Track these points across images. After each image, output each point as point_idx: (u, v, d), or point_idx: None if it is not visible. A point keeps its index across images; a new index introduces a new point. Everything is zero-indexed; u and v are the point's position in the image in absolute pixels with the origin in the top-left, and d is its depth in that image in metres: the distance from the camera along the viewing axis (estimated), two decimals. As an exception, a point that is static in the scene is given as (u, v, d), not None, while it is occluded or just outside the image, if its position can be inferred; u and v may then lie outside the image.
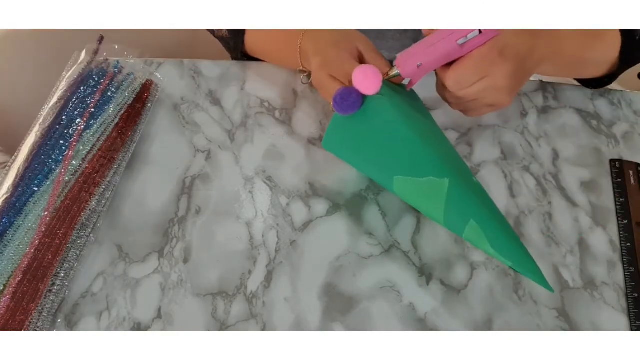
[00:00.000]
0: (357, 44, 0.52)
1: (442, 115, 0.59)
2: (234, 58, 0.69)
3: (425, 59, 0.46)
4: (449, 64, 0.46)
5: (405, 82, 0.50)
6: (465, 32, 0.44)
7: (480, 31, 0.44)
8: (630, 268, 0.49)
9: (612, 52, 0.55)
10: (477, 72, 0.46)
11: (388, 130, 0.47)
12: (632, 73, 1.31)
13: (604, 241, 0.51)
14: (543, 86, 0.64)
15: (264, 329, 0.45)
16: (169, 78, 0.64)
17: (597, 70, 0.58)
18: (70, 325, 0.46)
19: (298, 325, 0.46)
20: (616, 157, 0.57)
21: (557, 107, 0.61)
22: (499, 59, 0.45)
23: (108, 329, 0.45)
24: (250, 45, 0.64)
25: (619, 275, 0.49)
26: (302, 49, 0.56)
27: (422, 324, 0.46)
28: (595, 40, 0.53)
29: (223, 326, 0.46)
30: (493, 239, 0.43)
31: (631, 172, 0.55)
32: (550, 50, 0.49)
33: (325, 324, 0.46)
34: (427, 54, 0.46)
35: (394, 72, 0.48)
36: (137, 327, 0.45)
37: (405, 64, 0.47)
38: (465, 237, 0.44)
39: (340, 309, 0.47)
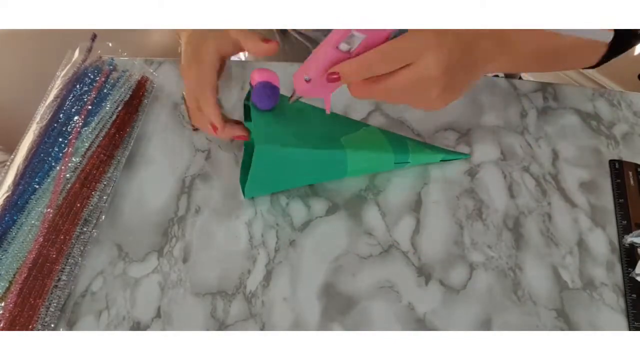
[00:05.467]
0: (230, 33, 0.48)
1: (443, 115, 0.59)
2: None
3: (311, 72, 0.41)
4: None
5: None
6: (340, 34, 0.39)
7: (365, 34, 0.39)
8: (629, 269, 0.49)
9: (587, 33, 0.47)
10: (397, 54, 0.39)
11: (306, 118, 0.50)
12: (632, 73, 1.31)
13: (603, 242, 0.51)
14: (543, 87, 0.64)
15: (263, 328, 0.46)
16: (169, 77, 0.64)
17: (583, 59, 0.53)
18: (70, 325, 0.46)
19: (297, 325, 0.46)
20: (616, 157, 0.57)
21: (556, 108, 0.61)
22: (428, 46, 0.39)
23: (107, 328, 0.45)
24: None
25: (618, 276, 0.49)
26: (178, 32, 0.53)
27: (421, 324, 0.46)
28: (552, 35, 0.46)
29: (222, 326, 0.46)
30: (429, 147, 0.55)
31: (631, 173, 0.55)
32: (493, 45, 0.44)
33: (324, 324, 0.46)
34: (311, 66, 0.41)
35: (296, 95, 0.45)
36: (137, 326, 0.46)
37: (296, 81, 0.43)
38: (411, 159, 0.53)
39: (339, 309, 0.47)
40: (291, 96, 0.45)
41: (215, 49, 0.48)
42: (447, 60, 0.39)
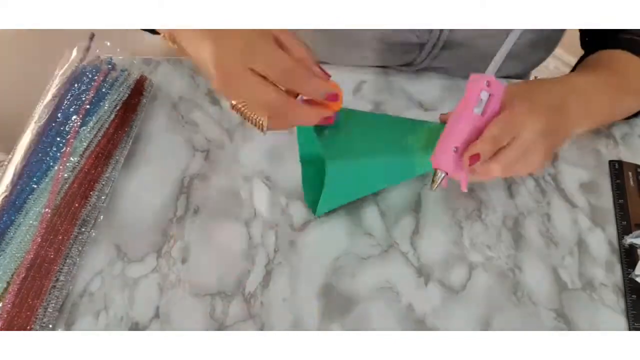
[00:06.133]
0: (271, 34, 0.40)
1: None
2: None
3: (457, 141, 0.42)
4: None
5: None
6: (474, 95, 0.41)
7: (490, 94, 0.42)
8: (629, 270, 0.49)
9: (637, 104, 0.55)
10: (507, 127, 0.42)
11: (369, 125, 0.48)
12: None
13: (603, 242, 0.51)
14: (542, 87, 0.64)
15: (262, 329, 0.45)
16: (168, 77, 0.63)
17: (626, 114, 0.57)
18: (68, 325, 0.45)
19: (296, 325, 0.46)
20: (615, 158, 0.57)
21: (556, 108, 0.61)
22: (527, 115, 0.42)
23: (106, 328, 0.45)
24: None
25: (617, 276, 0.49)
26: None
27: (421, 324, 0.46)
28: (622, 94, 0.52)
29: (221, 326, 0.45)
30: None
31: (630, 174, 0.55)
32: (582, 109, 0.48)
33: (324, 325, 0.46)
34: (456, 136, 0.42)
35: (439, 175, 0.43)
36: (135, 326, 0.45)
37: (442, 158, 0.42)
38: None
39: (338, 310, 0.46)
40: (433, 181, 0.43)
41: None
42: (545, 126, 0.42)
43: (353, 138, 0.47)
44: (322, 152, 0.45)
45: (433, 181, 0.43)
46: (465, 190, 0.44)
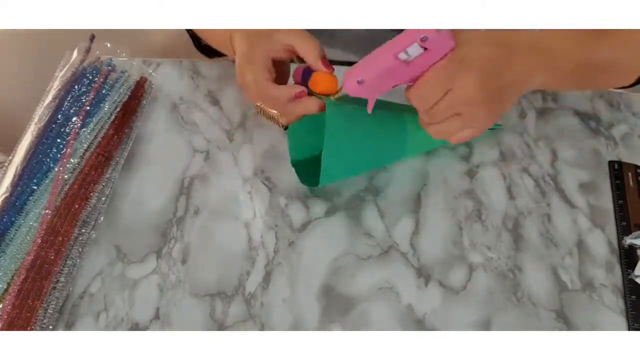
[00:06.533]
0: (280, 37, 0.47)
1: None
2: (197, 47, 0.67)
3: (366, 75, 0.43)
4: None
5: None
6: (402, 45, 0.40)
7: (425, 48, 0.40)
8: (629, 270, 0.49)
9: (627, 50, 0.48)
10: (437, 84, 0.42)
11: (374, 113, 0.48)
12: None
13: (603, 243, 0.51)
14: (542, 87, 0.64)
15: (262, 329, 0.45)
16: (168, 78, 0.63)
17: (621, 77, 0.53)
18: (68, 326, 0.45)
19: (296, 326, 0.46)
20: (615, 158, 0.57)
21: (556, 109, 0.61)
22: (460, 69, 0.41)
23: (106, 329, 0.45)
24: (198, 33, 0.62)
25: (617, 277, 0.49)
26: (232, 43, 0.51)
27: (421, 325, 0.46)
28: (598, 39, 0.47)
29: (221, 327, 0.45)
30: None
31: (630, 174, 0.55)
32: (534, 60, 0.45)
33: (324, 325, 0.46)
34: (367, 69, 0.43)
35: (342, 92, 0.46)
36: (135, 327, 0.45)
37: (347, 80, 0.44)
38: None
39: (338, 310, 0.47)
40: (336, 92, 0.46)
41: (265, 54, 0.47)
42: (480, 79, 0.41)
43: (352, 114, 0.48)
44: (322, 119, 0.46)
45: (337, 92, 0.46)
46: (369, 111, 0.46)
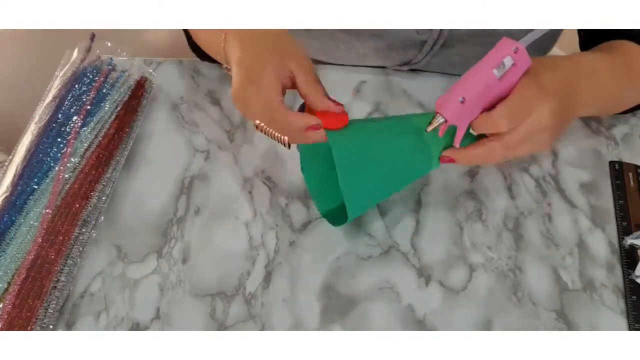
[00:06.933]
0: (289, 63, 0.44)
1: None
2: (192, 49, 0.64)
3: (467, 94, 0.41)
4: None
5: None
6: (499, 57, 0.41)
7: (513, 64, 0.41)
8: (629, 270, 0.49)
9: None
10: (523, 107, 0.42)
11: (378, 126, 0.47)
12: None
13: (603, 243, 0.51)
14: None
15: (262, 329, 0.45)
16: (169, 78, 0.63)
17: (629, 105, 0.57)
18: (68, 326, 0.45)
19: (296, 326, 0.46)
20: (616, 159, 0.57)
21: (556, 109, 0.61)
22: (539, 95, 0.42)
23: (106, 329, 0.45)
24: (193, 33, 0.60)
25: (618, 277, 0.49)
26: (225, 51, 0.48)
27: (421, 325, 0.46)
28: (628, 81, 0.52)
29: (221, 327, 0.45)
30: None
31: (630, 174, 0.55)
32: (591, 90, 0.47)
33: (324, 325, 0.46)
34: (467, 88, 0.41)
35: (439, 120, 0.42)
36: (136, 327, 0.45)
37: (447, 104, 0.41)
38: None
39: (339, 310, 0.47)
40: (430, 123, 0.43)
41: (277, 76, 0.43)
42: (556, 107, 0.42)
43: (362, 138, 0.46)
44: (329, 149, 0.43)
45: (430, 123, 0.43)
46: (457, 145, 0.44)
